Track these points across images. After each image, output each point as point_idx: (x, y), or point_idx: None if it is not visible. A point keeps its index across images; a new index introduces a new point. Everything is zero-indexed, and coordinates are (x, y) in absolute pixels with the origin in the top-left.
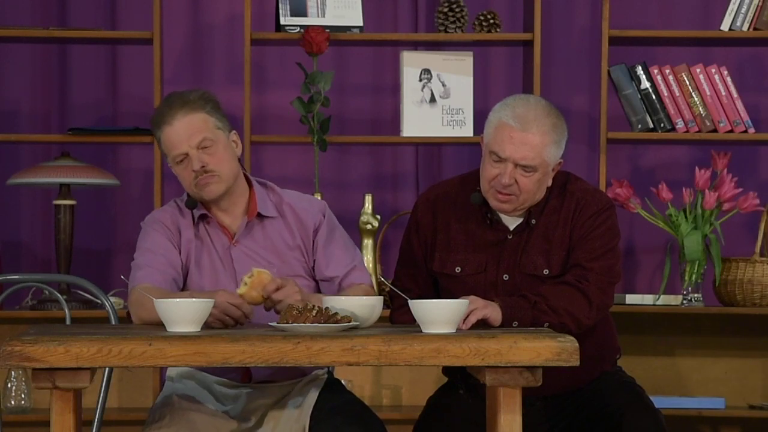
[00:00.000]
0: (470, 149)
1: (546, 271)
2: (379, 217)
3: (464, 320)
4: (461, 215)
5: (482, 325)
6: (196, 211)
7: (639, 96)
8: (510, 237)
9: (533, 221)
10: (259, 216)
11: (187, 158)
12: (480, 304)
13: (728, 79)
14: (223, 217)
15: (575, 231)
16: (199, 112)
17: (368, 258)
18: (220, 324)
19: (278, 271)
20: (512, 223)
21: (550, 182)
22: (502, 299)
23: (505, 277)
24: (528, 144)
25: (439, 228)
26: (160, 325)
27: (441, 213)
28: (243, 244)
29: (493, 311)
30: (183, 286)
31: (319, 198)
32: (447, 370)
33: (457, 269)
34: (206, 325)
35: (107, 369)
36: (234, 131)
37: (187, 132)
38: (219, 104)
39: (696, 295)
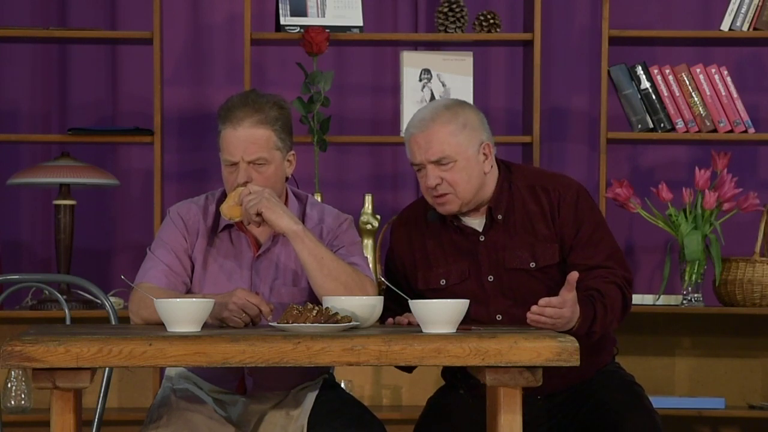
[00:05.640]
0: None
1: (532, 264)
2: (379, 217)
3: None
4: (433, 230)
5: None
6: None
7: (639, 96)
8: (482, 239)
9: (499, 217)
10: None
11: (236, 166)
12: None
13: (728, 79)
14: (252, 227)
15: (566, 226)
16: (267, 128)
17: (368, 258)
18: (235, 321)
19: (300, 284)
20: (479, 224)
21: (489, 168)
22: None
23: (490, 278)
24: (431, 140)
25: (416, 247)
26: (160, 324)
27: (415, 233)
28: (266, 257)
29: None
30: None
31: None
32: (446, 373)
33: (442, 282)
34: (221, 322)
35: (107, 369)
36: (293, 152)
37: (246, 145)
38: (290, 119)
39: (696, 295)
